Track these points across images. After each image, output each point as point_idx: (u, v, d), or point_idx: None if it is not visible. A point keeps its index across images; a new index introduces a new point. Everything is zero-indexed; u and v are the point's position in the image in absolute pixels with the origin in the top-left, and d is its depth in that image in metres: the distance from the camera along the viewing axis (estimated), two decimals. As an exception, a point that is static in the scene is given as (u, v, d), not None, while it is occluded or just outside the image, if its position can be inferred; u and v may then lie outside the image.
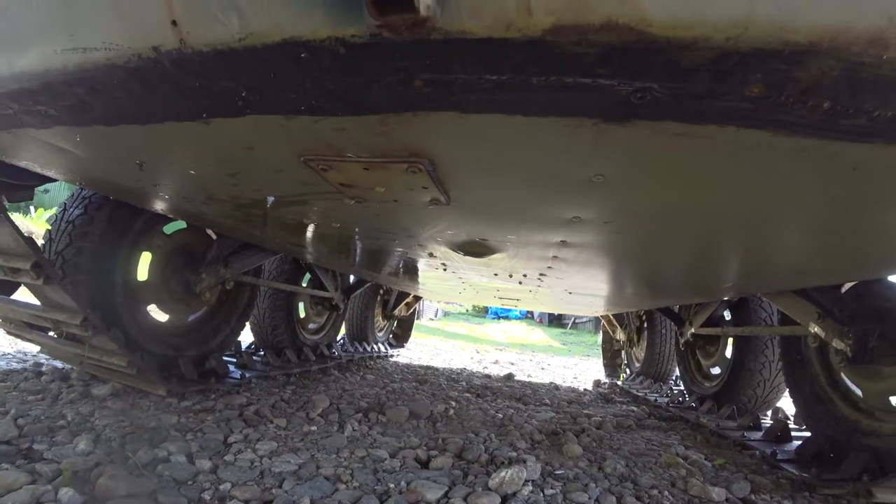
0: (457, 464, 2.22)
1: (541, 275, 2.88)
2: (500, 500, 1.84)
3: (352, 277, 5.12)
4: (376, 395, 3.65)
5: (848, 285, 2.43)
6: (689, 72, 0.64)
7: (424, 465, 2.19)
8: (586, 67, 0.65)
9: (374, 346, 6.23)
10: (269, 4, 0.66)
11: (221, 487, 1.62)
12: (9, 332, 2.67)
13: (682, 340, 4.27)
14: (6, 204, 1.94)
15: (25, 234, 1.96)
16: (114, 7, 0.74)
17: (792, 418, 3.30)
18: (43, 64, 0.84)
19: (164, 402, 2.56)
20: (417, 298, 7.06)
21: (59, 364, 3.10)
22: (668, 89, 0.67)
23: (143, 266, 2.88)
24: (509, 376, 5.96)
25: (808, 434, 2.70)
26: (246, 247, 3.24)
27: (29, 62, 0.86)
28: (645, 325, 5.85)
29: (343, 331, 5.96)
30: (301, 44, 0.67)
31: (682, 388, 4.71)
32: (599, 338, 8.80)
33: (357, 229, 2.08)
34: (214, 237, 3.14)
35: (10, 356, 3.33)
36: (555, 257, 2.23)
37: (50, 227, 2.59)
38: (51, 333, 2.52)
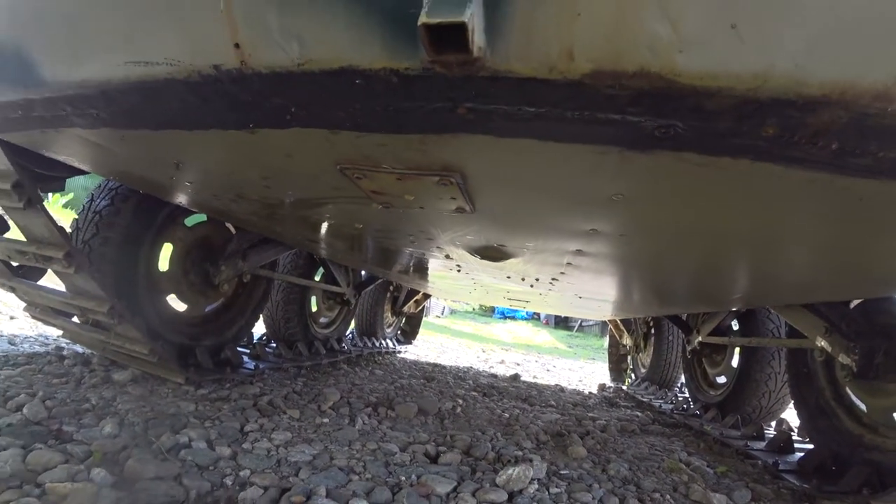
0: (465, 460, 2.28)
1: (553, 279, 2.93)
2: (507, 496, 1.89)
3: (363, 273, 5.20)
4: (385, 390, 3.71)
5: (856, 301, 2.46)
6: (712, 114, 0.70)
7: (433, 460, 2.25)
8: (618, 106, 0.71)
9: (383, 342, 6.30)
10: (329, 35, 0.72)
11: (241, 474, 1.69)
12: (33, 317, 2.77)
13: (688, 348, 4.29)
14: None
15: (58, 225, 2.04)
16: (179, 27, 0.80)
17: (796, 430, 3.33)
18: (105, 74, 0.90)
19: (181, 390, 2.64)
20: (427, 296, 7.12)
21: (79, 348, 3.19)
22: (691, 127, 0.73)
23: (165, 257, 2.96)
24: (515, 377, 6.02)
25: (810, 446, 2.73)
26: (264, 241, 3.32)
27: (91, 71, 0.92)
28: (652, 331, 5.87)
29: (352, 325, 6.03)
30: (357, 72, 0.73)
31: (687, 395, 4.74)
32: (605, 341, 8.82)
33: (378, 230, 2.14)
34: (234, 231, 3.21)
35: (32, 339, 3.43)
36: (569, 264, 2.29)
37: (77, 216, 2.67)
38: (74, 319, 2.61)
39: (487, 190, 1.23)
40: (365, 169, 1.13)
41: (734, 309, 3.68)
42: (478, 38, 0.66)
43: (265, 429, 2.27)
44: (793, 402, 3.01)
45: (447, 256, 2.65)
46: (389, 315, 6.90)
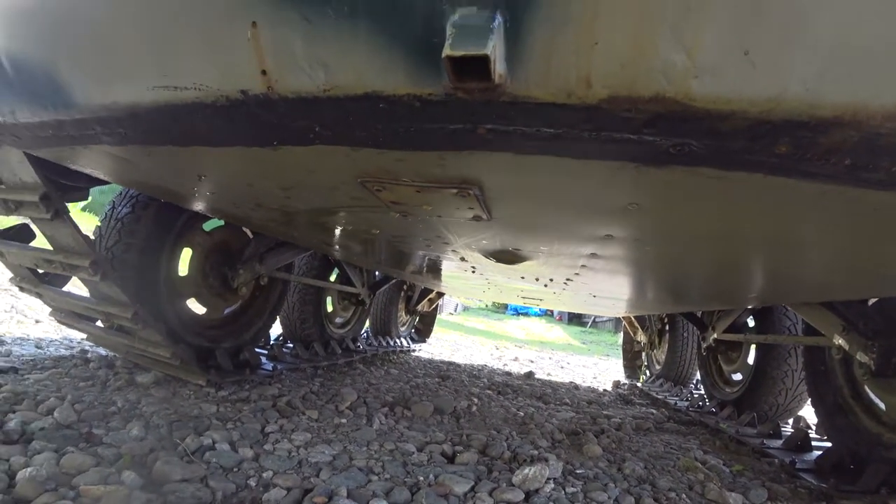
0: (481, 460, 2.30)
1: (567, 280, 2.94)
2: (523, 496, 1.92)
3: (378, 274, 5.24)
4: (401, 389, 3.76)
5: (874, 299, 2.44)
6: (726, 135, 0.72)
7: (450, 459, 2.28)
8: (633, 128, 0.73)
9: (397, 341, 6.35)
10: (354, 63, 0.75)
11: (265, 475, 1.74)
12: (59, 321, 2.85)
13: (704, 345, 4.28)
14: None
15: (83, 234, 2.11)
16: (208, 54, 0.84)
17: (813, 428, 3.31)
18: (134, 97, 0.94)
19: (203, 392, 2.70)
20: (440, 295, 7.16)
21: (103, 351, 3.28)
22: (705, 146, 0.75)
23: (184, 261, 3.03)
24: (529, 374, 6.03)
25: (828, 444, 2.72)
26: (280, 244, 3.37)
27: (121, 94, 0.96)
28: (667, 327, 5.84)
29: (367, 325, 6.09)
30: (381, 97, 0.76)
31: (703, 392, 4.72)
32: (619, 338, 8.79)
33: (395, 235, 2.18)
34: (251, 235, 3.27)
35: (57, 343, 3.53)
36: (583, 266, 2.30)
37: (99, 224, 2.74)
38: (98, 323, 2.69)
39: (504, 200, 1.25)
40: (385, 182, 1.16)
41: (750, 307, 3.65)
42: (499, 67, 0.69)
43: (285, 430, 2.32)
44: (810, 399, 2.99)
45: (462, 259, 2.68)
46: (403, 314, 6.95)
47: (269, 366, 3.44)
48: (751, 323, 4.03)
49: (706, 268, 2.09)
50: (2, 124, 1.24)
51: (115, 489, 1.41)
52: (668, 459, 2.73)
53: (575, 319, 26.14)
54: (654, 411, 4.34)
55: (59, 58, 1.01)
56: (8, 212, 2.01)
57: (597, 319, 24.07)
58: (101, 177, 1.81)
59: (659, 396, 4.95)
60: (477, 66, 0.67)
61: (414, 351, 6.82)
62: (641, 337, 6.40)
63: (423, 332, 7.72)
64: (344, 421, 2.65)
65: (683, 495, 2.16)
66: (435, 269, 3.71)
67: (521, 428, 3.06)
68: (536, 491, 2.00)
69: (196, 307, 3.18)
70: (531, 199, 1.22)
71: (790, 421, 3.70)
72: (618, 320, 12.97)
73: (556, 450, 2.65)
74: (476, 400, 3.73)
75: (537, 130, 0.76)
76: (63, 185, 2.14)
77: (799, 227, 1.14)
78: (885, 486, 2.09)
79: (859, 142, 0.69)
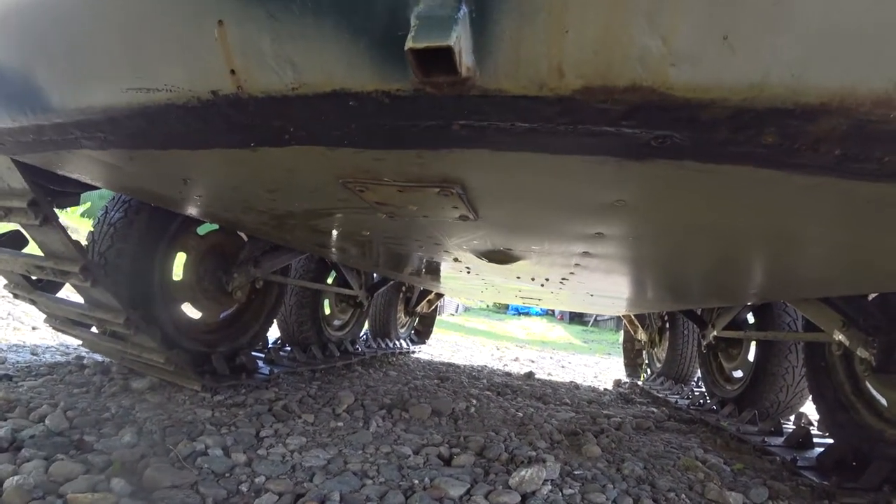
0: (478, 462, 2.28)
1: (563, 279, 2.92)
2: (519, 498, 1.90)
3: (375, 275, 5.22)
4: (399, 391, 3.74)
5: (874, 294, 2.42)
6: (708, 125, 0.69)
7: (447, 462, 2.26)
8: (611, 120, 0.71)
9: (397, 343, 6.33)
10: (321, 60, 0.73)
11: (257, 480, 1.72)
12: (54, 328, 2.84)
13: (704, 343, 4.25)
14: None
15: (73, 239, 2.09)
16: (177, 55, 0.82)
17: (815, 424, 3.28)
18: (108, 100, 0.93)
19: (198, 397, 2.69)
20: (439, 296, 7.14)
21: (99, 357, 3.26)
22: (688, 137, 0.73)
23: (178, 266, 3.02)
24: (529, 374, 6.01)
25: (830, 441, 2.69)
26: (276, 247, 3.35)
27: (95, 97, 0.95)
28: (667, 325, 5.82)
29: (366, 327, 6.08)
30: (350, 94, 0.74)
31: (703, 390, 4.69)
32: (621, 336, 8.75)
33: (386, 236, 2.16)
34: (246, 238, 3.26)
35: (53, 349, 3.52)
36: (577, 265, 2.28)
37: (92, 229, 2.73)
38: (93, 329, 2.67)
39: (489, 199, 1.23)
40: (366, 182, 1.14)
41: (749, 303, 3.63)
42: (466, 59, 0.67)
43: (280, 434, 2.30)
44: (811, 396, 2.96)
45: (455, 259, 2.66)
46: (402, 315, 6.93)
47: (266, 370, 3.42)
48: (751, 320, 4.00)
49: (702, 265, 2.07)
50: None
51: (104, 497, 1.39)
52: (668, 459, 2.70)
53: (576, 318, 26.10)
54: (654, 410, 4.31)
55: (34, 61, 1.00)
56: (-3, 218, 2.00)
57: (598, 318, 24.04)
58: (90, 182, 1.79)
59: (660, 395, 4.93)
60: (442, 59, 0.65)
61: (413, 353, 6.80)
62: (642, 335, 6.38)
63: (422, 333, 7.70)
64: (340, 424, 2.63)
65: (683, 495, 2.14)
66: (431, 270, 3.69)
67: (519, 429, 3.04)
68: (533, 493, 1.98)
69: (191, 311, 3.16)
70: (516, 197, 1.20)
71: (792, 418, 3.67)
72: (619, 319, 12.95)
73: (555, 450, 2.63)
74: (475, 401, 3.70)
75: (512, 125, 0.74)
76: (53, 190, 2.13)
77: (792, 221, 1.11)
78: (888, 484, 2.07)
79: (849, 130, 0.66)
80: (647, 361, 6.61)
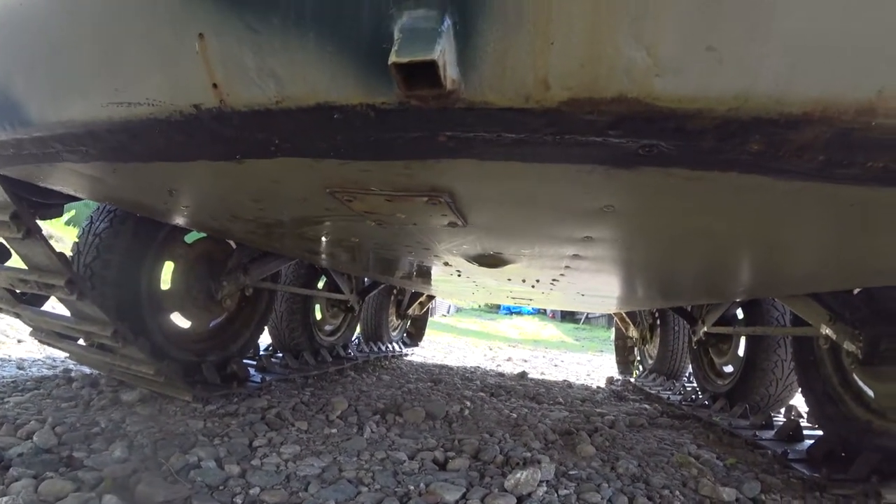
0: (473, 465, 2.28)
1: (553, 280, 2.93)
2: (515, 501, 1.90)
3: (366, 279, 5.20)
4: (392, 395, 3.73)
5: (858, 289, 2.45)
6: (694, 134, 0.70)
7: (442, 466, 2.26)
8: (598, 130, 0.71)
9: (389, 346, 6.32)
10: (304, 73, 0.72)
11: (251, 492, 1.70)
12: (40, 341, 2.79)
13: (694, 339, 4.29)
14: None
15: (58, 252, 2.06)
16: (158, 68, 0.81)
17: (805, 415, 3.32)
18: (89, 114, 0.91)
19: (190, 407, 2.66)
20: (431, 297, 7.13)
21: (87, 369, 3.22)
22: (674, 146, 0.73)
23: (166, 275, 2.98)
24: (522, 374, 6.02)
25: (819, 433, 2.73)
26: (265, 254, 3.33)
27: (75, 112, 0.93)
28: (658, 322, 5.86)
29: (358, 330, 6.05)
30: (334, 107, 0.73)
31: (695, 385, 4.74)
32: (612, 333, 8.80)
33: (376, 243, 2.15)
34: (234, 246, 3.23)
35: (40, 362, 3.46)
36: (567, 267, 2.29)
37: (77, 240, 2.69)
38: (80, 342, 2.63)
39: (477, 206, 1.24)
40: (354, 192, 1.14)
41: (738, 300, 3.67)
42: (450, 72, 0.67)
43: (274, 443, 2.28)
44: (800, 389, 3.00)
45: (446, 264, 2.66)
46: (394, 318, 6.92)
47: (258, 377, 3.40)
48: (740, 315, 4.04)
49: (691, 264, 2.09)
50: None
51: (94, 515, 1.37)
52: (661, 456, 2.72)
53: (568, 316, 26.20)
54: (647, 407, 4.34)
55: (11, 74, 0.98)
56: (-22, 232, 1.96)
57: (590, 315, 24.16)
58: (73, 193, 1.77)
59: (652, 391, 4.96)
60: (427, 73, 0.65)
61: (406, 355, 6.78)
62: (633, 332, 6.42)
63: (414, 335, 7.69)
64: (334, 431, 2.61)
65: (677, 492, 2.16)
66: (422, 274, 3.69)
67: (513, 430, 3.04)
68: (529, 495, 1.99)
69: (180, 321, 3.13)
70: (504, 204, 1.20)
71: (782, 410, 3.72)
72: (611, 316, 13.06)
73: (550, 451, 2.63)
74: (469, 403, 3.70)
75: (498, 136, 0.74)
76: (36, 202, 2.09)
77: (778, 223, 1.12)
78: (876, 474, 2.10)
79: (832, 137, 0.67)
80: (638, 358, 6.66)
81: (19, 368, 3.20)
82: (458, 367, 6.26)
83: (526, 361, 8.44)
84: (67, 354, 2.98)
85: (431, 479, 2.03)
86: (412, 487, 1.93)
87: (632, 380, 6.06)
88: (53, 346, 2.79)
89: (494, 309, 27.74)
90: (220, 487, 1.72)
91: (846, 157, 0.72)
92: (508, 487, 2.01)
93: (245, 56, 0.74)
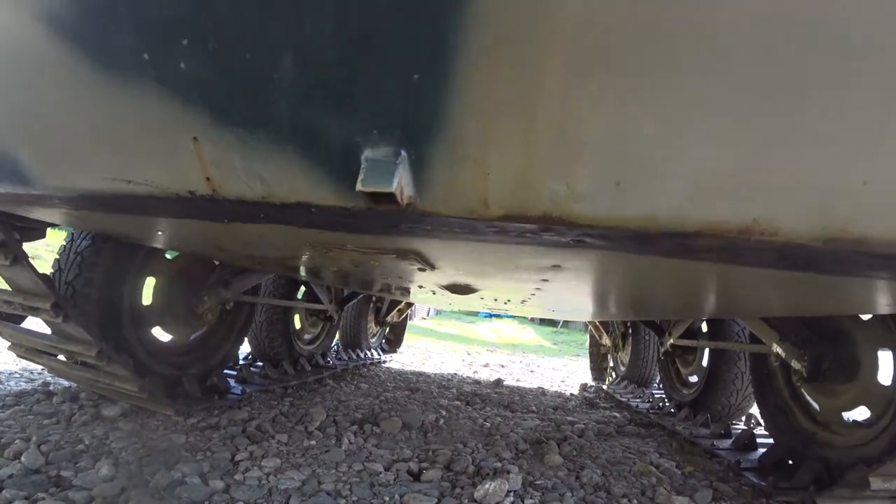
0: (445, 475, 2.39)
1: (523, 300, 3.08)
2: (484, 511, 2.02)
3: (345, 290, 5.28)
4: (370, 405, 3.81)
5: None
6: (612, 239, 0.84)
7: (416, 477, 2.36)
8: (532, 233, 0.84)
9: (368, 353, 6.39)
10: (286, 178, 0.85)
11: (235, 508, 1.79)
12: (18, 355, 2.81)
13: (661, 350, 4.49)
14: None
15: (42, 274, 2.11)
16: (156, 160, 0.92)
17: (763, 424, 3.52)
18: (89, 185, 1.01)
19: (171, 421, 2.71)
20: (410, 305, 7.23)
21: (65, 382, 3.24)
22: (598, 242, 0.87)
23: (148, 290, 3.03)
24: (498, 382, 6.16)
25: (771, 441, 2.92)
26: (246, 269, 3.39)
27: (78, 182, 1.02)
28: (629, 331, 6.07)
29: (337, 337, 6.11)
30: (313, 205, 0.85)
31: (663, 394, 4.94)
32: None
33: (354, 271, 2.27)
34: (216, 262, 3.28)
35: (17, 375, 3.46)
36: (538, 289, 2.44)
37: (58, 257, 2.72)
38: (61, 357, 2.67)
39: (444, 259, 1.37)
40: (332, 247, 1.25)
41: (702, 318, 3.87)
42: (407, 192, 0.80)
43: (255, 456, 2.36)
44: (756, 401, 3.20)
45: (421, 287, 2.78)
46: (373, 325, 6.99)
47: (239, 389, 3.46)
48: (704, 328, 4.24)
49: (644, 293, 2.25)
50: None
51: (85, 535, 1.45)
52: (625, 465, 2.87)
53: (547, 320, 26.47)
54: (617, 415, 4.52)
55: (14, 141, 1.06)
56: (-37, 258, 2.00)
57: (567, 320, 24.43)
58: (58, 223, 1.83)
59: (623, 399, 5.15)
60: (387, 196, 0.78)
61: (385, 362, 6.86)
62: (606, 340, 6.62)
63: (393, 342, 7.77)
64: (313, 443, 2.69)
65: (635, 500, 2.30)
66: (400, 289, 3.80)
67: (486, 440, 3.16)
68: None
69: (161, 334, 3.17)
70: (467, 259, 1.33)
71: (743, 418, 3.93)
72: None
73: (519, 461, 2.76)
74: (444, 412, 3.81)
75: (451, 231, 0.87)
76: (18, 226, 2.14)
77: (702, 281, 1.28)
78: (816, 483, 2.28)
79: (722, 246, 0.82)
80: (612, 365, 6.86)
81: (-3, 382, 3.20)
82: (435, 375, 6.36)
83: (503, 367, 8.59)
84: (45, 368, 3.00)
85: (406, 490, 2.14)
86: (387, 499, 2.04)
87: (604, 387, 6.25)
88: (33, 362, 2.82)
89: (474, 312, 27.84)
90: (206, 503, 1.81)
91: (736, 256, 0.87)
92: (478, 497, 2.12)
93: (235, 160, 0.86)
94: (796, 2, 0.61)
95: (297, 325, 4.89)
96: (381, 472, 2.33)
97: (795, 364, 2.51)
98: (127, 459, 2.06)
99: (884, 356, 2.36)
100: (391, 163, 0.75)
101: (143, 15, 0.76)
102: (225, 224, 1.09)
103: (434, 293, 3.33)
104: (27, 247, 2.09)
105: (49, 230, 2.34)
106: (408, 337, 8.62)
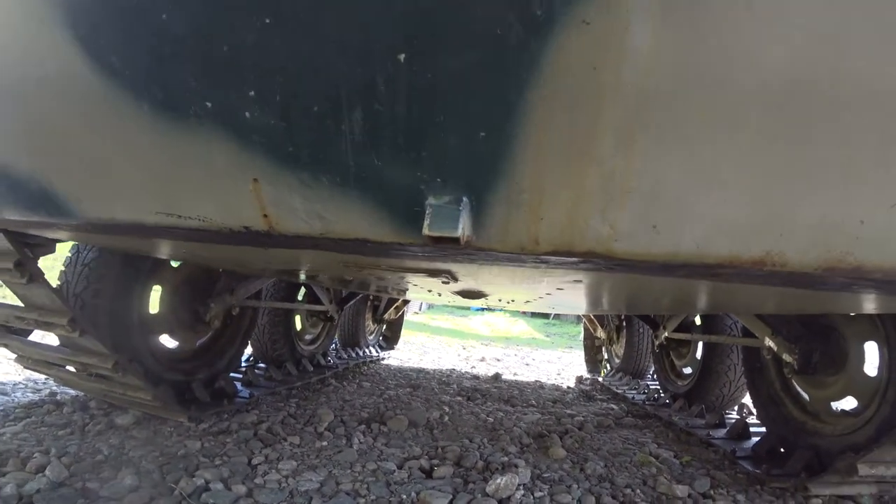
0: (457, 471, 2.46)
1: (526, 301, 3.17)
2: (497, 504, 2.10)
3: (344, 290, 5.33)
4: (374, 403, 3.88)
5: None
6: (643, 270, 0.92)
7: (428, 474, 2.42)
8: (573, 264, 0.93)
9: (367, 351, 6.46)
10: (347, 218, 0.91)
11: (260, 512, 1.85)
12: (25, 367, 2.83)
13: (656, 343, 4.61)
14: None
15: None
16: (212, 197, 0.97)
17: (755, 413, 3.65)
18: (135, 218, 1.06)
19: (184, 427, 2.75)
20: (406, 301, 7.30)
21: (72, 392, 3.25)
22: (631, 269, 0.96)
23: (155, 299, 3.06)
24: (496, 376, 6.26)
25: (763, 430, 3.04)
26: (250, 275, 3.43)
27: (122, 214, 1.07)
28: (623, 324, 6.19)
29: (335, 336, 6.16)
30: (370, 241, 0.92)
31: (658, 385, 5.07)
32: (581, 330, 9.13)
33: (368, 277, 2.33)
34: (220, 269, 3.32)
35: (22, 385, 3.47)
36: (549, 294, 2.53)
37: (64, 269, 2.73)
38: (69, 368, 2.69)
39: (472, 276, 1.44)
40: (367, 267, 1.31)
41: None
42: (467, 233, 0.87)
43: (271, 459, 2.41)
44: (749, 392, 3.32)
45: (429, 290, 2.86)
46: (371, 323, 7.06)
47: (246, 392, 3.51)
48: (698, 321, 4.37)
49: (648, 294, 2.35)
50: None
51: (122, 544, 1.50)
52: (625, 456, 2.97)
53: (538, 312, 26.70)
54: (614, 406, 4.64)
55: (55, 178, 1.10)
56: (-24, 276, 2.02)
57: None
58: (70, 241, 1.86)
59: (619, 391, 5.27)
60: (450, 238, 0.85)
61: (383, 359, 6.93)
62: (601, 333, 6.75)
63: (390, 339, 7.85)
64: (325, 444, 2.75)
65: (638, 490, 2.39)
66: (398, 289, 3.87)
67: (491, 434, 3.24)
68: (508, 498, 2.17)
69: (167, 341, 3.21)
70: (496, 276, 1.41)
71: (736, 408, 4.07)
72: (578, 312, 13.41)
73: (525, 454, 2.84)
74: (447, 409, 3.89)
75: (497, 260, 0.95)
76: (28, 243, 2.15)
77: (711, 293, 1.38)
78: (807, 470, 2.40)
79: (737, 273, 0.92)
80: (606, 357, 6.99)
81: (3, 394, 3.21)
82: (434, 371, 6.45)
83: (499, 361, 8.71)
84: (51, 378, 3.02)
85: (420, 487, 2.20)
86: (405, 496, 2.10)
87: (600, 379, 6.37)
88: (41, 373, 2.84)
89: (466, 306, 27.90)
90: (232, 509, 1.86)
91: (747, 279, 0.97)
92: (490, 492, 2.20)
93: (295, 201, 0.91)
94: (800, 69, 0.70)
95: (299, 326, 4.94)
96: (394, 471, 2.40)
97: (787, 357, 2.62)
98: (148, 468, 2.10)
99: (870, 349, 2.49)
100: (455, 209, 0.82)
101: (210, 67, 0.82)
102: (265, 249, 1.14)
103: (440, 294, 3.40)
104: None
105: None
106: (403, 333, 8.69)
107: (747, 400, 4.01)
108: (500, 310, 27.39)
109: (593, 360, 7.34)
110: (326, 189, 0.89)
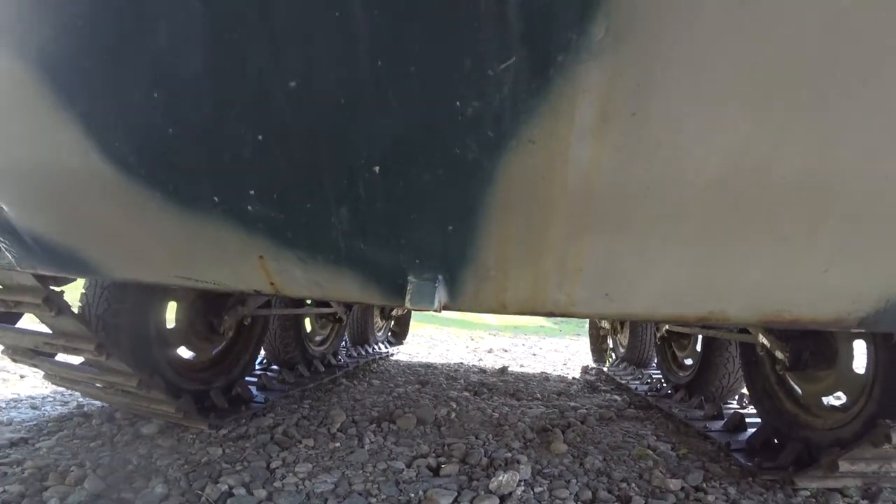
0: (462, 469, 2.60)
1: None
2: (498, 501, 2.22)
3: (352, 291, 5.47)
4: (384, 402, 4.03)
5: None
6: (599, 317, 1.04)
7: (435, 472, 2.56)
8: (536, 318, 1.04)
9: (375, 347, 6.62)
10: (340, 286, 1.04)
11: (281, 515, 2.00)
12: (55, 384, 3.00)
13: (658, 335, 4.72)
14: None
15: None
16: (224, 266, 1.11)
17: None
18: (155, 279, 1.20)
19: (204, 434, 2.91)
20: (413, 298, 7.44)
21: (97, 402, 3.42)
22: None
23: (171, 314, 3.21)
24: (503, 370, 6.40)
25: (758, 421, 3.16)
26: (260, 285, 3.57)
27: (144, 276, 1.21)
28: (626, 314, 6.28)
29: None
30: (360, 301, 1.05)
31: (660, 376, 5.19)
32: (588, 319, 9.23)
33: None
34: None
35: (51, 399, 3.66)
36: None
37: (84, 291, 2.87)
38: (96, 385, 2.84)
39: None
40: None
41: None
42: (444, 301, 1.00)
43: (287, 462, 2.55)
44: (745, 385, 3.43)
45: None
46: (379, 320, 7.21)
47: (261, 397, 3.67)
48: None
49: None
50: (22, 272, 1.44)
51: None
52: (624, 449, 3.09)
53: (546, 296, 26.80)
54: (617, 398, 4.77)
55: (85, 246, 1.24)
56: (7, 308, 2.17)
57: (567, 295, 24.74)
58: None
59: (622, 381, 5.40)
60: None
61: (392, 355, 7.09)
62: (605, 323, 6.86)
63: (399, 334, 8.00)
64: (338, 445, 2.89)
65: (633, 484, 2.51)
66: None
67: (496, 430, 3.37)
68: (509, 494, 2.30)
69: (184, 352, 3.36)
70: None
71: (736, 398, 4.18)
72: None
73: (527, 450, 2.97)
74: (454, 405, 4.02)
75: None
76: (52, 277, 2.30)
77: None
78: (797, 463, 2.51)
79: (685, 324, 1.04)
80: (611, 346, 7.11)
81: (33, 408, 3.39)
82: (442, 365, 6.60)
83: (506, 352, 8.86)
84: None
85: (428, 485, 2.34)
86: (413, 495, 2.24)
87: (605, 369, 6.50)
88: (70, 389, 3.00)
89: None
90: (255, 513, 2.02)
91: (693, 326, 1.08)
92: (492, 489, 2.32)
93: (296, 272, 1.05)
94: (730, 168, 0.82)
95: (308, 328, 5.09)
96: (403, 470, 2.53)
97: (779, 354, 2.72)
98: (175, 476, 2.26)
99: (858, 346, 2.58)
100: (431, 285, 0.95)
101: (215, 170, 0.94)
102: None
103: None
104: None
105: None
106: (411, 325, 8.84)
107: (745, 391, 4.13)
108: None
109: (599, 350, 7.45)
110: (322, 265, 1.02)
